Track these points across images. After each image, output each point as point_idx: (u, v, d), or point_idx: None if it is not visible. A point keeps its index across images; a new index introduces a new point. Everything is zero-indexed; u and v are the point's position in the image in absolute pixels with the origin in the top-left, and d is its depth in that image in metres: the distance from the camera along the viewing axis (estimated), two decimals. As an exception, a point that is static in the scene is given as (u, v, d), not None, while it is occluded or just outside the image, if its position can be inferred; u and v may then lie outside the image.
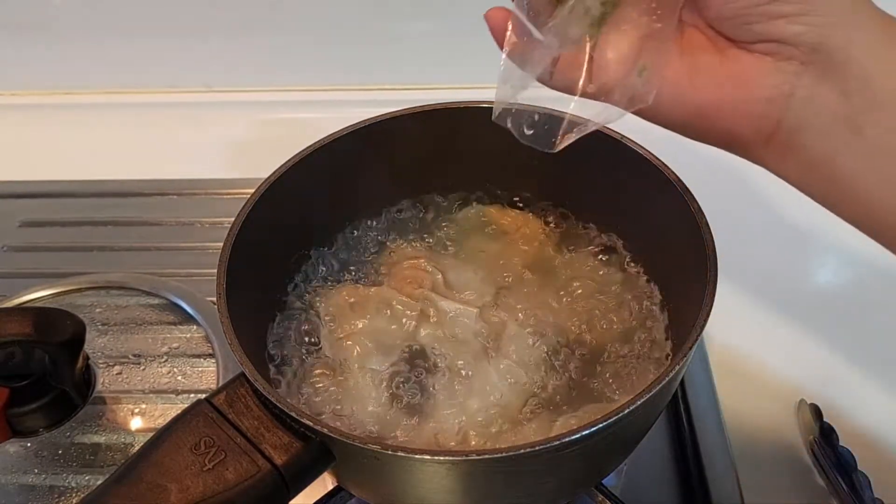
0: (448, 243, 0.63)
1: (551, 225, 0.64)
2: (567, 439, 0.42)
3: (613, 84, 0.44)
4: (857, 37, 0.40)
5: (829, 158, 0.42)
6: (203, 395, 0.47)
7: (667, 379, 0.44)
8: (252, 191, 0.55)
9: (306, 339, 0.58)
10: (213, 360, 0.66)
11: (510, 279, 0.60)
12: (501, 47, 0.45)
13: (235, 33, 0.97)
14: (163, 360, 0.66)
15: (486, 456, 0.42)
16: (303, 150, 0.58)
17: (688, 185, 0.53)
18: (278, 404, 0.45)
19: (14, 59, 0.99)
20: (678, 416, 0.65)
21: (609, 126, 0.54)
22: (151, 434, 0.45)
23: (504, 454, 0.42)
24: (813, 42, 0.40)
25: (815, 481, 0.62)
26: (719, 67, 0.43)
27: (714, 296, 0.47)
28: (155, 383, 0.65)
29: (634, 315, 0.58)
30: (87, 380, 0.63)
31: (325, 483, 0.53)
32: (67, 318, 0.58)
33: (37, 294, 0.71)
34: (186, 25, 0.96)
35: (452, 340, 0.56)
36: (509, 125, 0.47)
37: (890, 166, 0.41)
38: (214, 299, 0.49)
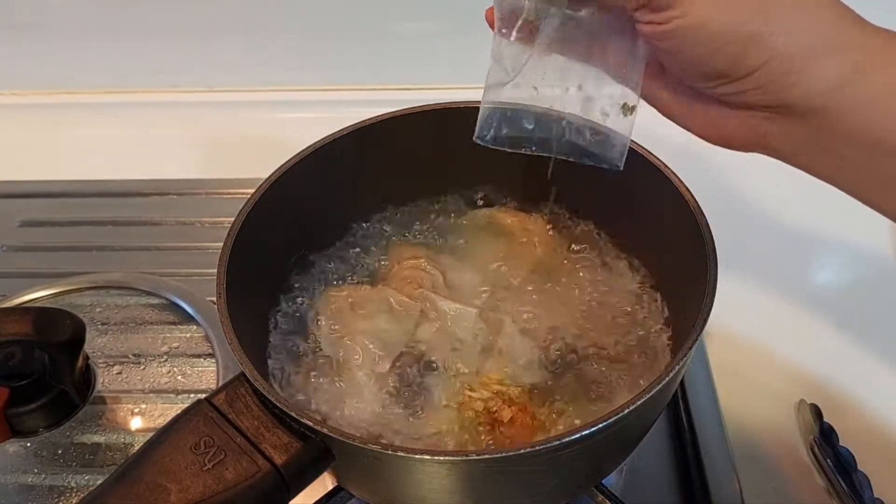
0: (448, 243, 0.63)
1: (550, 225, 0.64)
2: (567, 439, 0.42)
3: None
4: (816, 88, 0.42)
5: (811, 167, 0.45)
6: (203, 395, 0.47)
7: (667, 379, 0.44)
8: (252, 191, 0.55)
9: (306, 338, 0.58)
10: (213, 360, 0.66)
11: (510, 279, 0.60)
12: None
13: (235, 33, 0.97)
14: (163, 359, 0.66)
15: (486, 456, 0.42)
16: (303, 150, 0.58)
17: (688, 185, 0.53)
18: (278, 404, 0.45)
19: (14, 59, 0.99)
20: (678, 416, 0.65)
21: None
22: (151, 434, 0.45)
23: (504, 454, 0.42)
24: (773, 104, 0.43)
25: (815, 481, 0.62)
26: (699, 109, 0.47)
27: (714, 296, 0.47)
28: (155, 383, 0.65)
29: (634, 315, 0.58)
30: (86, 380, 0.63)
31: (325, 483, 0.53)
32: (67, 318, 0.58)
33: (37, 294, 0.71)
34: (186, 25, 0.96)
35: (452, 340, 0.56)
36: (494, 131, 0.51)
37: (866, 177, 0.44)
38: (214, 299, 0.49)
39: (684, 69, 0.44)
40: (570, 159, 0.51)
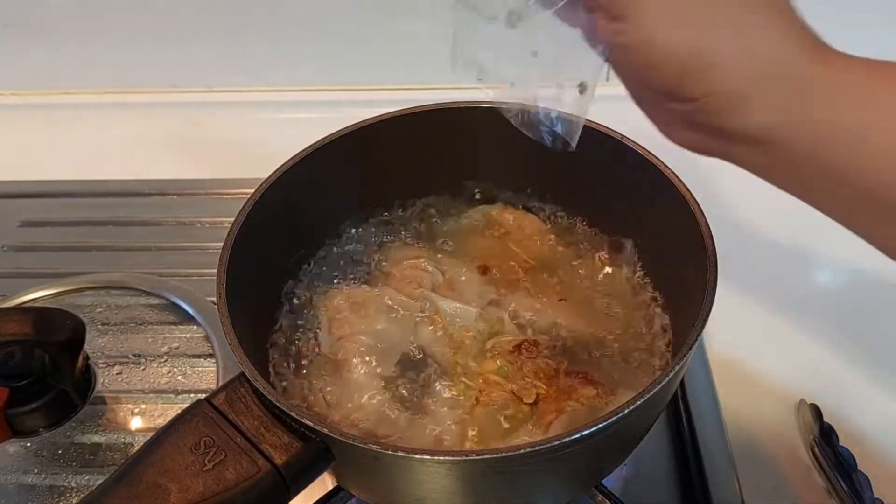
0: (448, 243, 0.63)
1: (551, 225, 0.64)
2: (567, 439, 0.42)
3: None
4: (760, 121, 0.41)
5: (778, 184, 0.44)
6: (203, 395, 0.47)
7: (667, 379, 0.44)
8: (252, 191, 0.55)
9: (306, 339, 0.58)
10: (213, 360, 0.66)
11: (509, 279, 0.60)
12: None
13: (235, 33, 0.97)
14: (163, 360, 0.66)
15: (486, 456, 0.42)
16: (303, 150, 0.58)
17: (688, 186, 0.53)
18: (278, 404, 0.45)
19: (13, 59, 0.99)
20: (678, 416, 0.65)
21: (609, 127, 0.55)
22: (151, 434, 0.45)
23: (504, 454, 0.42)
24: (722, 129, 0.42)
25: (815, 481, 0.62)
26: (660, 107, 0.45)
27: (714, 296, 0.47)
28: (155, 383, 0.64)
29: (634, 315, 0.58)
30: (87, 380, 0.63)
31: (325, 483, 0.53)
32: (67, 318, 0.58)
33: (37, 294, 0.71)
34: (186, 25, 0.96)
35: (452, 340, 0.56)
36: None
37: (828, 197, 0.43)
38: (214, 299, 0.49)
39: (630, 80, 0.44)
40: (527, 133, 0.50)
